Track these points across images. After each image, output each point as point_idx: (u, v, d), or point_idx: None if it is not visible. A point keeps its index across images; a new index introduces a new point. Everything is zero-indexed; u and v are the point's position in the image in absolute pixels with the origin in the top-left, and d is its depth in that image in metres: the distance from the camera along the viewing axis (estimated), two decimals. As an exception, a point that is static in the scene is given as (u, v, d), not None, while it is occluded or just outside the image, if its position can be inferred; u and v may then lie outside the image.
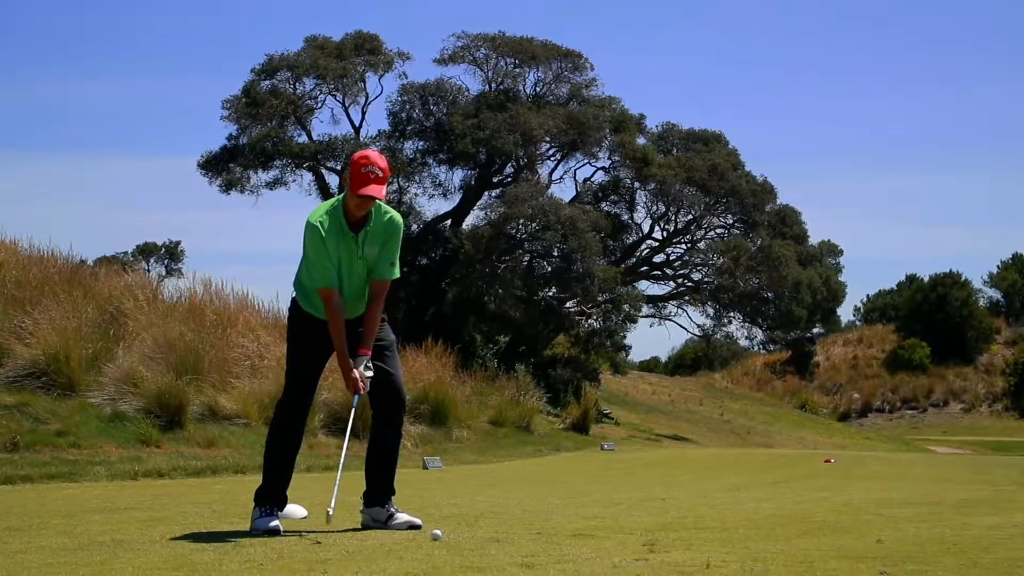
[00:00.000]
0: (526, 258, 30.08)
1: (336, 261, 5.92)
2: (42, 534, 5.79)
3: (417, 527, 6.01)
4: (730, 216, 33.54)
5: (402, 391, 6.17)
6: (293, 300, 6.20)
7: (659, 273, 34.26)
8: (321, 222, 5.93)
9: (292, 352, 6.17)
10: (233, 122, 31.36)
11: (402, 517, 6.08)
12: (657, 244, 33.98)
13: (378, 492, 6.14)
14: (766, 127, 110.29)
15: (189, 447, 12.74)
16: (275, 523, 5.85)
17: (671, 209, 32.91)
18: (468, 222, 31.79)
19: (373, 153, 6.04)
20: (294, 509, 6.50)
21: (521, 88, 32.76)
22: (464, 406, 19.36)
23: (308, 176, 32.26)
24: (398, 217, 6.13)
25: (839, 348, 59.98)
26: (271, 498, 6.02)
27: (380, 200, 5.95)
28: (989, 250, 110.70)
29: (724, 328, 34.72)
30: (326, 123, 33.37)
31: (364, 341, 5.98)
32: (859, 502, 8.30)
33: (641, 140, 33.54)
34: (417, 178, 32.06)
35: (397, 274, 6.11)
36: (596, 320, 31.93)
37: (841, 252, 47.57)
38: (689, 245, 33.82)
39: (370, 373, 5.97)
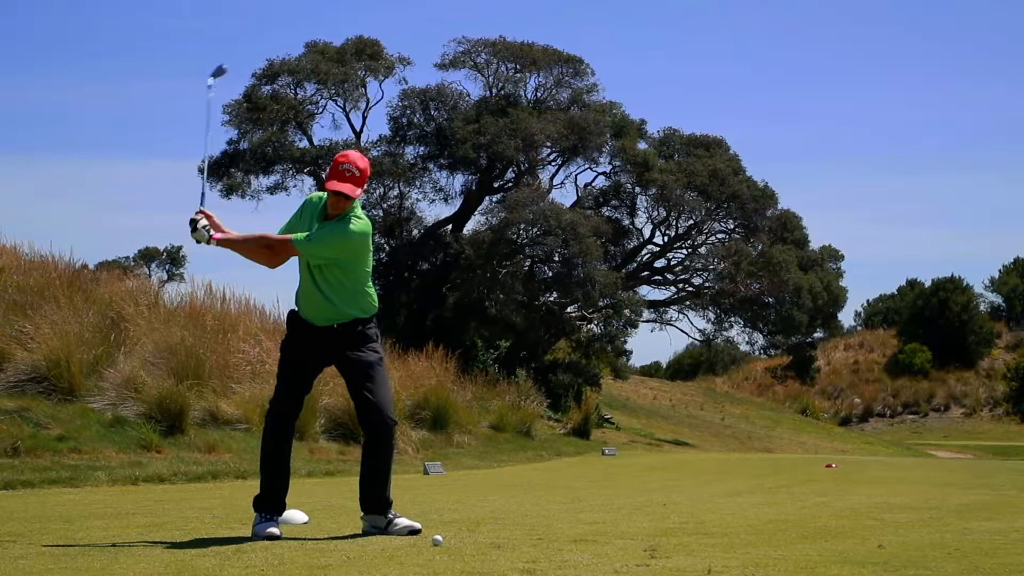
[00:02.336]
0: (527, 263, 30.07)
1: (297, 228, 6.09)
2: (43, 539, 5.78)
3: (417, 532, 6.01)
4: (731, 221, 33.51)
5: (385, 416, 6.07)
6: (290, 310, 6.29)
7: (660, 278, 34.24)
8: (315, 197, 6.22)
9: (281, 357, 6.23)
10: (234, 127, 31.39)
11: (402, 522, 6.08)
12: (658, 249, 33.97)
13: (373, 505, 6.13)
14: (767, 132, 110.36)
15: (190, 452, 12.73)
16: (275, 529, 5.84)
17: (672, 214, 32.88)
18: (469, 227, 31.82)
19: (354, 153, 6.11)
20: (295, 514, 6.50)
21: (522, 93, 32.77)
22: (465, 411, 19.35)
23: (309, 181, 32.28)
24: (359, 226, 6.03)
25: (840, 353, 59.93)
26: (269, 504, 6.01)
27: (353, 198, 5.98)
28: (990, 254, 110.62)
29: (725, 333, 34.72)
30: (327, 128, 33.68)
31: (224, 231, 6.14)
32: (860, 507, 8.29)
33: (642, 145, 33.55)
34: (418, 183, 32.09)
35: (307, 253, 5.99)
36: (597, 325, 31.92)
37: (842, 257, 47.66)
38: (690, 250, 33.80)
39: (202, 223, 6.10)
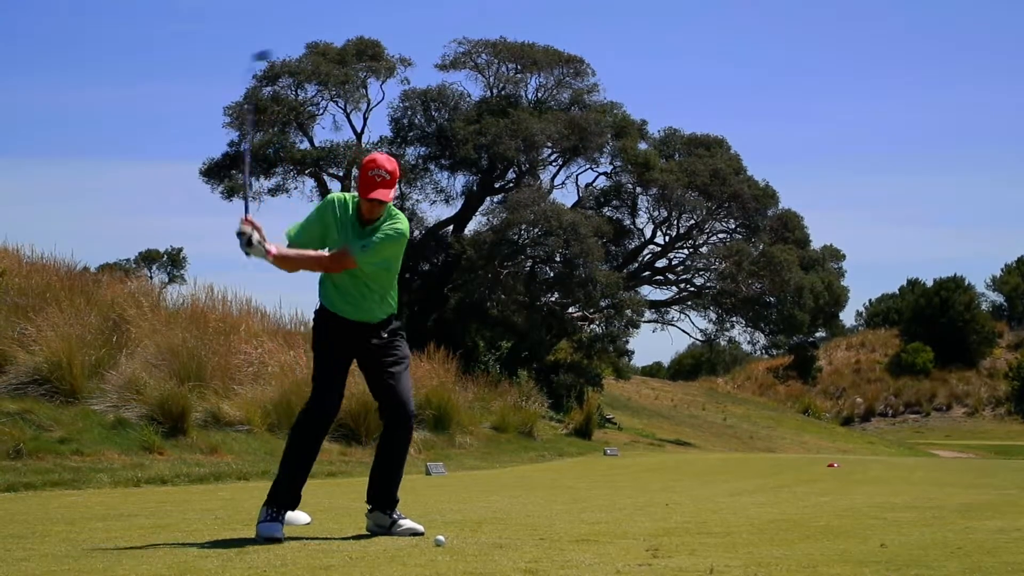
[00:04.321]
0: (528, 263, 30.08)
1: (325, 237, 6.01)
2: (45, 541, 5.78)
3: (420, 534, 6.00)
4: (732, 221, 33.53)
5: (407, 406, 6.12)
6: (317, 307, 6.18)
7: (661, 278, 34.26)
8: (339, 200, 6.06)
9: (317, 356, 6.11)
10: (235, 129, 31.41)
11: (405, 524, 6.07)
12: (659, 249, 33.99)
13: (381, 500, 6.13)
14: (768, 131, 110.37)
15: (192, 454, 12.74)
16: (279, 532, 5.80)
17: (673, 214, 32.91)
18: (470, 228, 31.83)
19: (380, 156, 6.04)
20: (297, 515, 6.49)
21: (523, 94, 32.81)
22: (467, 412, 19.36)
23: (310, 182, 32.32)
24: (403, 225, 6.05)
25: (842, 352, 59.93)
26: (283, 500, 5.95)
27: (387, 203, 5.97)
28: (992, 254, 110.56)
29: (727, 333, 34.74)
30: (328, 129, 33.59)
31: (274, 245, 5.94)
32: (862, 506, 8.29)
33: (643, 145, 33.57)
34: (419, 184, 32.11)
35: (363, 263, 5.91)
36: (598, 325, 31.93)
37: (843, 256, 47.44)
38: (691, 250, 33.82)
39: (256, 237, 5.85)
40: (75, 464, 11.02)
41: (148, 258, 66.54)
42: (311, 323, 6.34)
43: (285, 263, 5.97)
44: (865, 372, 56.63)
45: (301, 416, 6.12)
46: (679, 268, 33.88)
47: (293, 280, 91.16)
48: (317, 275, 6.19)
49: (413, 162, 31.93)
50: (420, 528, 6.07)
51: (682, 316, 34.48)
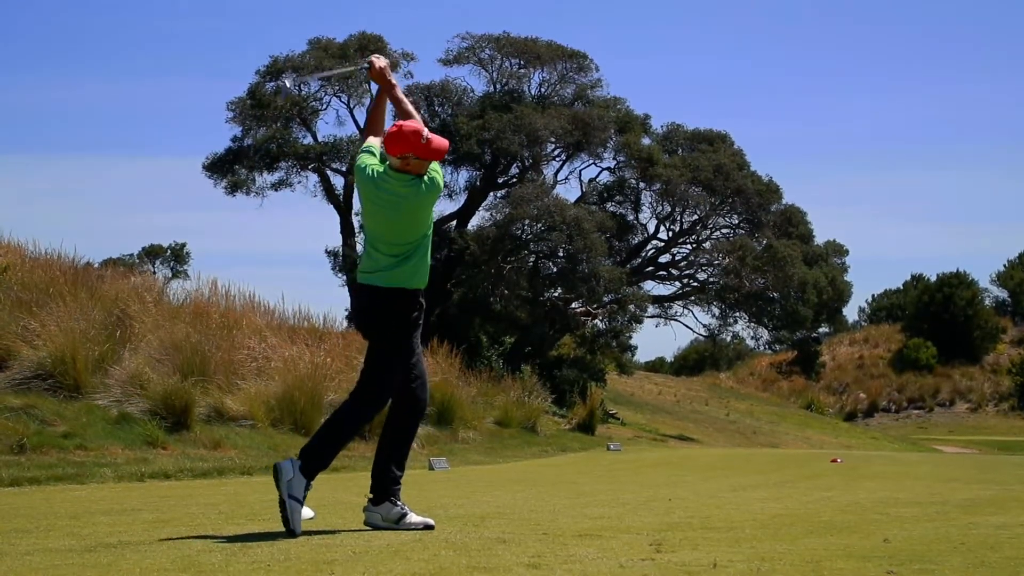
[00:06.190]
0: (531, 259, 30.09)
1: None
2: (49, 536, 5.79)
3: (431, 528, 5.99)
4: (735, 216, 33.53)
5: (427, 382, 6.21)
6: (400, 291, 5.96)
7: (664, 273, 34.26)
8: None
9: (405, 349, 6.00)
10: (238, 124, 31.47)
11: (416, 518, 6.04)
12: (662, 244, 34.00)
13: (387, 485, 6.09)
14: (771, 127, 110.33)
15: (195, 448, 12.75)
16: (298, 525, 5.70)
17: (676, 209, 32.91)
18: (473, 223, 31.86)
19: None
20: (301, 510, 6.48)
21: (526, 89, 32.82)
22: (470, 407, 19.36)
23: (313, 177, 32.36)
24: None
25: (845, 348, 59.91)
26: (315, 471, 5.89)
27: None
28: (995, 249, 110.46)
29: (730, 328, 34.76)
30: (331, 124, 33.36)
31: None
32: (865, 502, 8.29)
33: (646, 140, 33.56)
34: (422, 179, 32.11)
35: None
36: (602, 320, 31.94)
37: (847, 252, 47.42)
38: (694, 245, 33.82)
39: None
40: (79, 459, 11.03)
41: (151, 253, 66.63)
42: (380, 313, 6.00)
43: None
44: (868, 368, 56.61)
45: (365, 408, 6.12)
46: (682, 263, 33.89)
47: (294, 278, 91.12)
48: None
49: (416, 157, 31.95)
50: (431, 522, 6.06)
51: (685, 311, 34.54)
